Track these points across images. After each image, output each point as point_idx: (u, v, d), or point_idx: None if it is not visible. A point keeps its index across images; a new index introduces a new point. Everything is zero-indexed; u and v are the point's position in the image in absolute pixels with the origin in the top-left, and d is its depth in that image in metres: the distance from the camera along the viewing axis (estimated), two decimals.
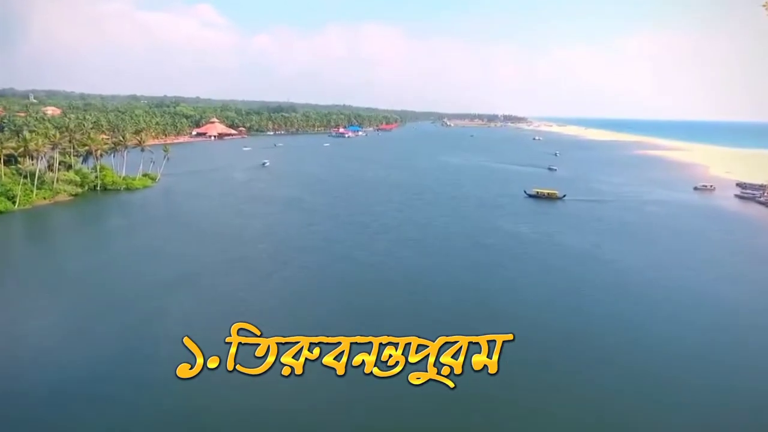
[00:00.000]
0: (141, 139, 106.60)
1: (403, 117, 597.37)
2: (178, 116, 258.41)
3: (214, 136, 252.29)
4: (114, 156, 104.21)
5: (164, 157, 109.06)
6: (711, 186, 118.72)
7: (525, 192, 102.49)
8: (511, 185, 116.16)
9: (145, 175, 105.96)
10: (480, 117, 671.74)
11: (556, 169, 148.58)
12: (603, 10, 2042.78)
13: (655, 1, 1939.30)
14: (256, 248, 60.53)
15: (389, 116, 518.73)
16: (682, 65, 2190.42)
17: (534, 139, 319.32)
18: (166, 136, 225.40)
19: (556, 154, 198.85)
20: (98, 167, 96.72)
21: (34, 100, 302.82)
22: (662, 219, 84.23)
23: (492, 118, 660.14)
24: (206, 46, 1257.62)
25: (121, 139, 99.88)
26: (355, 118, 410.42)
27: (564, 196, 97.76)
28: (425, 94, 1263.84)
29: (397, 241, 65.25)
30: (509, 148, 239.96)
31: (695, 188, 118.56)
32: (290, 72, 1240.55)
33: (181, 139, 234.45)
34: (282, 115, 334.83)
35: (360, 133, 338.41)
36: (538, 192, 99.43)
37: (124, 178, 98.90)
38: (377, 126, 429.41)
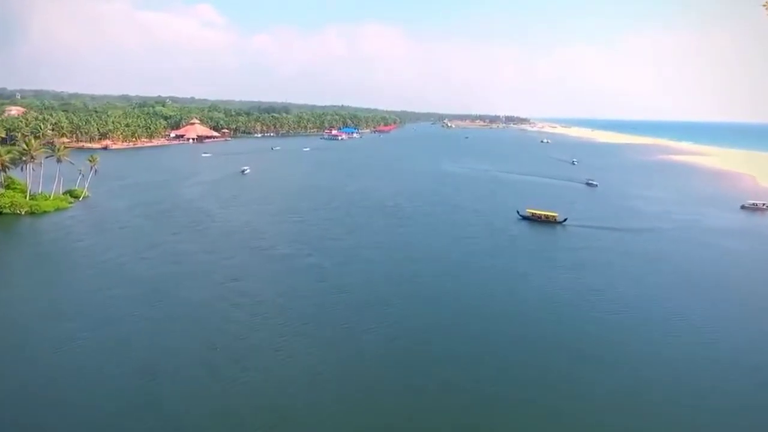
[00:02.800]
0: (56, 147, 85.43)
1: (404, 118, 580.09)
2: (154, 117, 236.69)
3: (193, 139, 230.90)
4: (26, 168, 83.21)
5: (91, 169, 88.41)
6: (765, 205, 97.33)
7: (518, 213, 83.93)
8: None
9: (67, 192, 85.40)
10: (481, 118, 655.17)
11: (596, 185, 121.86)
12: (603, 10, 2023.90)
13: (656, 0, 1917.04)
14: (137, 327, 39.60)
15: (387, 117, 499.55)
16: (682, 65, 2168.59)
17: (542, 141, 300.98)
18: (136, 139, 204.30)
19: (574, 162, 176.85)
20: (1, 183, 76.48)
21: (6, 100, 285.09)
22: (746, 268, 62.74)
23: (494, 119, 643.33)
24: (206, 46, 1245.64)
25: (25, 148, 78.45)
26: (351, 119, 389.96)
27: (565, 220, 79.21)
28: (425, 95, 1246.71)
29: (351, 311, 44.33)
30: (520, 154, 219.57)
31: (743, 207, 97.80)
32: (289, 72, 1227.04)
33: (156, 143, 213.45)
34: (272, 116, 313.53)
35: (355, 135, 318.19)
36: (533, 214, 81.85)
37: (31, 198, 77.99)
38: (374, 127, 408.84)
